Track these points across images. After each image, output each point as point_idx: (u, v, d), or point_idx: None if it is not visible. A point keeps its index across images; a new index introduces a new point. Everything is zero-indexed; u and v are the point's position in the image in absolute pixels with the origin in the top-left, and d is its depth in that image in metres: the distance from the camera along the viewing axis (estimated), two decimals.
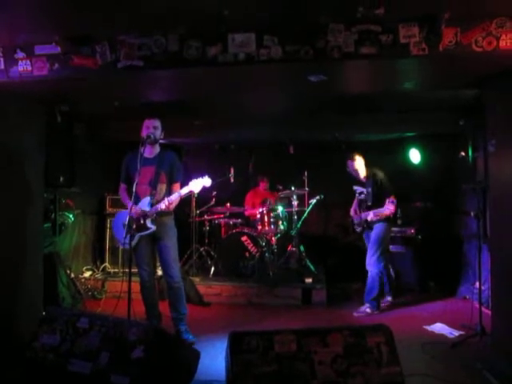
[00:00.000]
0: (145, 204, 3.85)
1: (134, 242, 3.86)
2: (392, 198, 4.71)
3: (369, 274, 4.83)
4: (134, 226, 3.83)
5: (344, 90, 4.14)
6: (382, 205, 4.72)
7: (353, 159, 4.85)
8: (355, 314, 4.80)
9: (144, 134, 3.84)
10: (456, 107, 4.86)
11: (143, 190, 3.88)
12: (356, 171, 4.88)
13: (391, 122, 5.62)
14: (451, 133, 5.70)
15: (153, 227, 3.85)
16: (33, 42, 3.40)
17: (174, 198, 3.81)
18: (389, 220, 4.83)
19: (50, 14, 3.00)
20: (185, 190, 3.82)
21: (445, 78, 3.69)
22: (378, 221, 4.80)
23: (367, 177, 4.88)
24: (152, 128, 3.86)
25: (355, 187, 5.05)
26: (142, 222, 3.84)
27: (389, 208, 4.68)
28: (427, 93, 4.38)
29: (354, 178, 4.97)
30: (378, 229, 4.82)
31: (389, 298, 5.15)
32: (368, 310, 4.80)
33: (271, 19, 3.10)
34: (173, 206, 3.91)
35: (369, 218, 4.81)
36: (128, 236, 3.56)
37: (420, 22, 3.00)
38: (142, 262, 3.97)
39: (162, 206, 3.78)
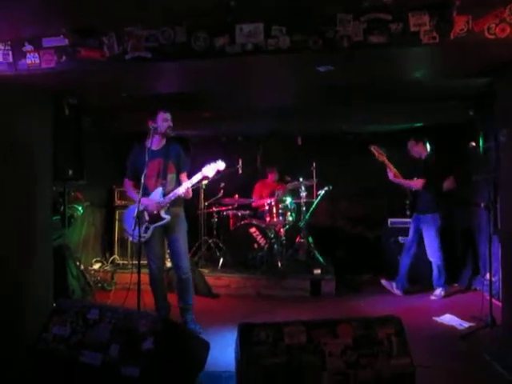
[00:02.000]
0: (157, 195, 3.85)
1: (148, 235, 3.88)
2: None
3: (433, 263, 5.08)
4: (148, 218, 3.85)
5: (353, 79, 4.09)
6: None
7: (416, 142, 5.24)
8: (432, 297, 5.09)
9: (163, 126, 3.85)
10: (466, 97, 4.79)
11: (152, 182, 3.89)
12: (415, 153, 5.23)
13: (400, 113, 5.57)
14: (461, 123, 5.64)
15: (167, 217, 3.85)
16: (40, 34, 3.39)
17: (191, 183, 3.82)
18: (437, 209, 5.08)
19: (57, 6, 2.98)
20: (198, 177, 3.82)
21: (456, 67, 3.63)
22: (427, 211, 5.05)
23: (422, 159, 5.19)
24: (170, 121, 3.90)
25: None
26: (155, 212, 3.85)
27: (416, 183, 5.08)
28: (437, 82, 4.32)
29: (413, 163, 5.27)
30: (429, 220, 5.04)
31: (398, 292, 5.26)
32: (442, 293, 5.08)
33: (279, 9, 3.06)
34: (190, 192, 3.92)
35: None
36: (137, 228, 3.57)
37: (430, 9, 2.93)
38: (152, 254, 3.98)
39: (182, 189, 3.79)
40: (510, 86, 3.39)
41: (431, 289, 5.18)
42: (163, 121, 3.87)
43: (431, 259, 5.11)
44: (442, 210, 5.11)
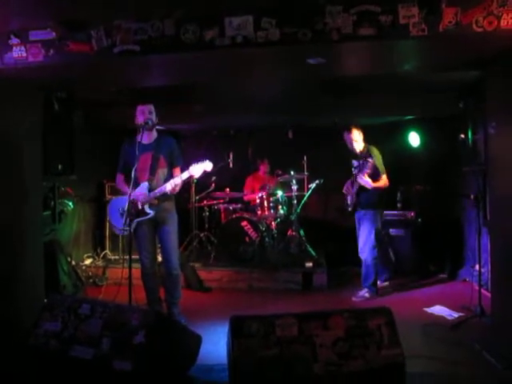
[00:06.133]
0: (143, 189, 3.84)
1: (131, 229, 3.85)
2: (383, 176, 4.73)
3: (363, 261, 4.82)
4: (132, 212, 3.84)
5: (343, 72, 4.09)
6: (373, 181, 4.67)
7: (349, 131, 4.87)
8: (354, 299, 4.82)
9: (140, 120, 3.82)
10: (456, 89, 4.81)
11: (143, 176, 3.88)
12: (351, 144, 4.89)
13: (390, 105, 5.58)
14: (451, 115, 5.66)
15: (151, 212, 3.84)
16: (27, 27, 3.34)
17: (178, 181, 3.80)
18: (378, 205, 4.82)
19: None
20: (185, 175, 3.81)
21: (445, 60, 3.63)
22: (368, 206, 4.78)
23: (362, 152, 4.85)
24: (148, 113, 3.84)
25: (353, 161, 5.00)
26: (140, 207, 3.84)
27: (380, 183, 4.68)
28: (427, 74, 4.33)
29: (352, 153, 4.96)
30: (368, 215, 4.79)
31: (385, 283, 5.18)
32: (367, 295, 4.81)
33: (269, 1, 3.05)
34: (178, 189, 3.91)
35: (361, 181, 4.63)
36: (127, 222, 3.57)
37: (420, 1, 2.94)
38: (143, 248, 3.98)
39: (168, 187, 3.77)
40: (499, 79, 3.41)
41: (419, 279, 5.15)
42: (141, 113, 3.86)
43: (361, 256, 4.84)
44: (382, 208, 4.91)
